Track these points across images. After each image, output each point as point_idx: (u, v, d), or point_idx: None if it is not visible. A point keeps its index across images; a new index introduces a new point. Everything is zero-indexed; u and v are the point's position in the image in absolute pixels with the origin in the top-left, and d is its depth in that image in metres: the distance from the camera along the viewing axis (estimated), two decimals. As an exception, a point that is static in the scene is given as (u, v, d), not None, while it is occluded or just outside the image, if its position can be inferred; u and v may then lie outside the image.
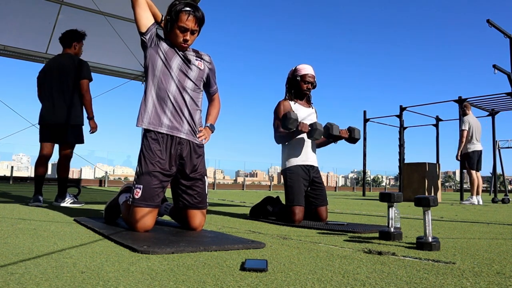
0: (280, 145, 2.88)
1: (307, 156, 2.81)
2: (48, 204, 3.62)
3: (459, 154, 7.03)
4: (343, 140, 2.85)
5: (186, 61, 2.06)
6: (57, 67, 3.67)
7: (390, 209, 1.94)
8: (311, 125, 2.64)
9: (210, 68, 2.17)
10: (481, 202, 6.81)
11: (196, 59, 2.10)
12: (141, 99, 2.05)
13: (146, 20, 2.01)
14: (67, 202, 3.62)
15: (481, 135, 7.10)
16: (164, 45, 2.04)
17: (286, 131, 2.72)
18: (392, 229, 1.94)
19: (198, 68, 2.10)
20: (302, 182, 2.73)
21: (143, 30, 2.00)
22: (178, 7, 1.97)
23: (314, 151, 2.89)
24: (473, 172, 6.94)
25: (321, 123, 2.69)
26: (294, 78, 2.88)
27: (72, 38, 3.79)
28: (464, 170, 7.29)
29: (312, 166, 2.82)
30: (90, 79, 3.73)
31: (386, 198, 1.91)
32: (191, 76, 2.06)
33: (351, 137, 2.83)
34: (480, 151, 7.03)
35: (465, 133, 6.93)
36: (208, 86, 2.21)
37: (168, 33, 2.04)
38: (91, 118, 3.73)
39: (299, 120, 2.71)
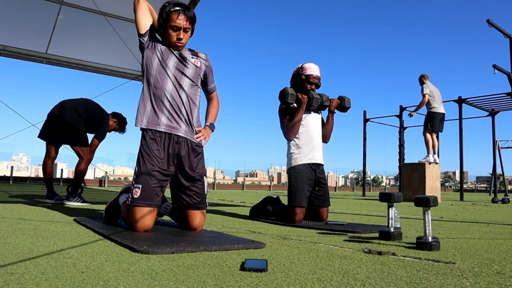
0: (286, 143, 2.83)
1: (314, 154, 2.77)
2: (47, 204, 3.62)
3: (415, 112, 7.55)
4: (336, 111, 2.98)
5: (182, 59, 2.07)
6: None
7: (390, 209, 1.94)
8: (307, 94, 2.75)
9: (206, 65, 2.17)
10: (437, 161, 7.21)
11: (192, 57, 2.12)
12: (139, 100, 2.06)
13: (146, 22, 2.07)
14: (76, 201, 3.68)
15: (441, 100, 7.46)
16: (161, 46, 2.06)
17: (292, 121, 2.75)
18: (392, 229, 1.94)
19: (195, 65, 2.10)
20: (306, 183, 2.70)
21: (143, 31, 2.05)
22: (167, 8, 2.02)
23: (321, 148, 2.85)
24: (430, 134, 7.26)
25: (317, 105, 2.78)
26: (299, 76, 2.85)
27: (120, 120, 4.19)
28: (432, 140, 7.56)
29: (318, 165, 2.79)
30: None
31: (386, 198, 1.91)
32: (188, 74, 2.07)
33: (342, 105, 2.96)
34: (443, 114, 7.35)
35: (427, 96, 7.27)
36: (205, 84, 2.21)
37: (162, 36, 2.07)
38: None
39: (301, 118, 2.75)
